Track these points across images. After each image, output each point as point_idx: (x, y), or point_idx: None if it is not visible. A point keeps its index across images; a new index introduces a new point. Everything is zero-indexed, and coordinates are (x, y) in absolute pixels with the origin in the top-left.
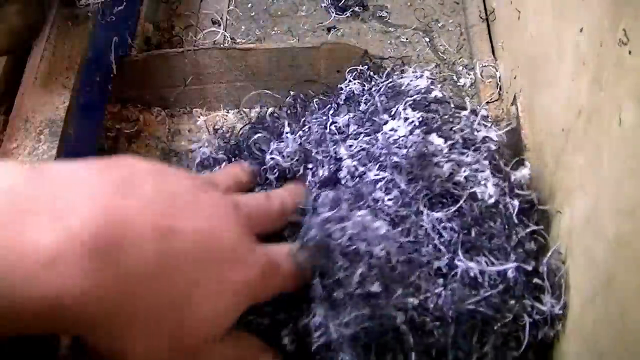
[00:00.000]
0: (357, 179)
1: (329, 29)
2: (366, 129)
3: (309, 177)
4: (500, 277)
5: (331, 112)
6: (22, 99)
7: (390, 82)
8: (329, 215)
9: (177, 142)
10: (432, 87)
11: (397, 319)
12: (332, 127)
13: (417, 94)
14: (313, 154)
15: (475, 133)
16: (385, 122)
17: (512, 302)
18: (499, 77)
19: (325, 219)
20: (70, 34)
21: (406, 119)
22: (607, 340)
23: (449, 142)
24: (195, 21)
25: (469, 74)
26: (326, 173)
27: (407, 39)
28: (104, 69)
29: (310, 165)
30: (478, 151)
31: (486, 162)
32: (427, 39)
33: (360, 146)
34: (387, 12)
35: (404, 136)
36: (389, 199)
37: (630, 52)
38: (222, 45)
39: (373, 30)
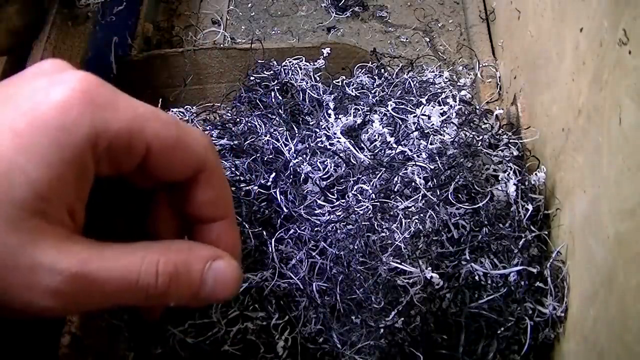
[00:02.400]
0: (383, 145)
1: (329, 29)
2: (398, 105)
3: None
4: (502, 280)
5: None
6: None
7: (413, 77)
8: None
9: None
10: (460, 86)
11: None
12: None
13: (444, 90)
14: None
15: (499, 136)
16: (417, 106)
17: (515, 305)
18: (499, 77)
19: None
20: (70, 34)
21: (440, 110)
22: (607, 339)
23: (478, 139)
24: (195, 21)
25: (469, 74)
26: (350, 123)
27: (407, 39)
28: (104, 69)
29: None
30: (502, 152)
31: (510, 164)
32: (427, 39)
33: (391, 114)
34: (387, 12)
35: (434, 124)
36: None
37: (630, 52)
38: (222, 45)
39: (373, 30)
